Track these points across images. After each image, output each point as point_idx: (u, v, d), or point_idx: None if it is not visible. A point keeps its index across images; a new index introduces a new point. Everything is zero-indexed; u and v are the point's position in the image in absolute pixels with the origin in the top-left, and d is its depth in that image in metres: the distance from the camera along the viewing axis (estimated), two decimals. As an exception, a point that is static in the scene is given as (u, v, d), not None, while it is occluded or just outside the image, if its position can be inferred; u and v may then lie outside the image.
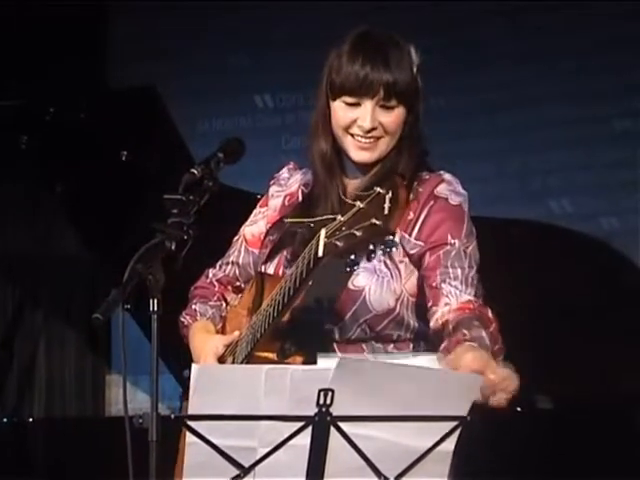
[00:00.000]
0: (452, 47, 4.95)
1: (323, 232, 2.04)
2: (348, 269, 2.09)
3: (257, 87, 5.57)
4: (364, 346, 2.28)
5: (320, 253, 2.04)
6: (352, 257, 2.05)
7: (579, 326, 4.06)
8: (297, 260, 2.17)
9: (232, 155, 2.32)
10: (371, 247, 2.04)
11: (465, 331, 2.14)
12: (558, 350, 4.03)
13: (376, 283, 2.27)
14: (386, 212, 2.00)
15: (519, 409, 3.88)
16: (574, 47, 4.99)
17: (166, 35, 5.59)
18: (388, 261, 2.27)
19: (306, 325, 2.25)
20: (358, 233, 2.00)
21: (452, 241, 2.27)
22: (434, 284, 2.24)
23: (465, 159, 4.53)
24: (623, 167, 4.99)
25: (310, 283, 2.15)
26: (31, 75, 5.16)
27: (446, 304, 2.22)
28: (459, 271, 2.25)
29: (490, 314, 2.23)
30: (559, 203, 5.12)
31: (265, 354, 2.25)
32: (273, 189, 2.48)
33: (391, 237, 2.05)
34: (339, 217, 2.03)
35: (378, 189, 2.02)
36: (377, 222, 1.99)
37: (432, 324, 2.24)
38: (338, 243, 2.01)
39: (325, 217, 2.08)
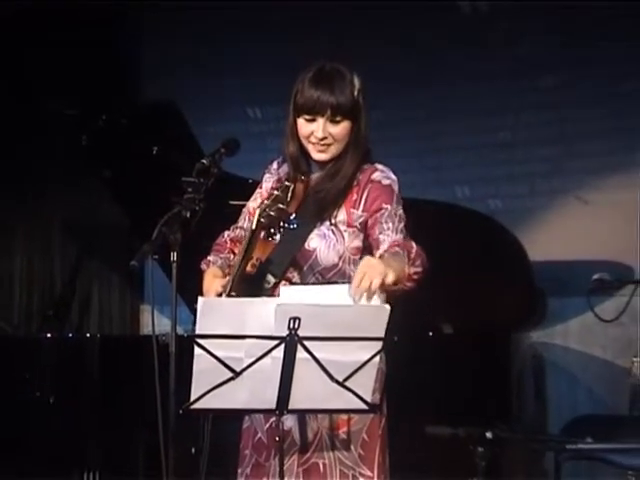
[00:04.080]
0: (387, 75, 4.93)
1: (258, 211, 2.10)
2: (270, 238, 2.13)
3: (249, 102, 5.54)
4: None
5: (253, 226, 2.10)
6: (272, 230, 2.11)
7: (471, 276, 4.09)
8: None
9: (230, 150, 2.31)
10: (281, 223, 2.09)
11: (385, 254, 2.17)
12: (457, 293, 4.05)
13: (325, 245, 2.26)
14: (288, 199, 2.10)
15: (431, 333, 3.90)
16: (470, 74, 4.99)
17: (185, 63, 5.50)
18: (334, 229, 2.27)
19: (271, 274, 2.24)
20: (273, 213, 2.08)
21: (386, 206, 2.28)
22: (375, 236, 2.26)
23: (397, 157, 4.46)
24: (504, 165, 5.02)
25: (253, 246, 2.16)
26: (88, 91, 5.08)
27: (382, 246, 2.24)
28: (391, 224, 2.26)
29: (412, 244, 2.23)
30: (461, 189, 5.14)
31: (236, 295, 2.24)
32: (266, 176, 2.45)
33: (293, 216, 2.10)
34: (265, 201, 2.11)
35: (286, 183, 2.13)
36: (282, 206, 2.07)
37: None
38: (262, 220, 2.09)
39: (263, 201, 2.14)
